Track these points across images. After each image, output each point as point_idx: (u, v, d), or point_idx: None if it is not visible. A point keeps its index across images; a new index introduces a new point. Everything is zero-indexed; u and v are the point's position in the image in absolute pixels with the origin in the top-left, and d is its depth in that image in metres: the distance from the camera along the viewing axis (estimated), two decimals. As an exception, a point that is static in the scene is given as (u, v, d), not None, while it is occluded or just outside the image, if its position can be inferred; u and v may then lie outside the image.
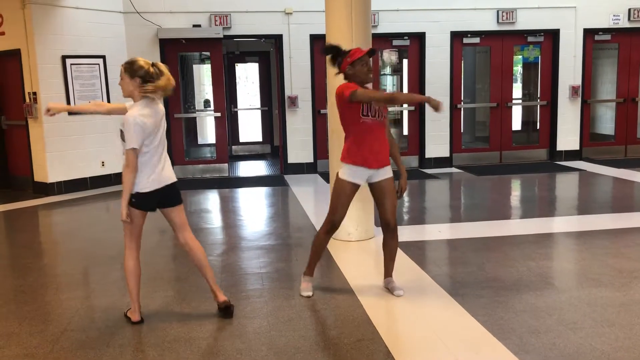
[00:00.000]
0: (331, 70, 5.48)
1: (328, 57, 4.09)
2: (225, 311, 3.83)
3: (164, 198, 3.72)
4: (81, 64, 8.55)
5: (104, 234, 6.27)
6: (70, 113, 8.36)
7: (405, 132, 10.49)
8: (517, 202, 7.72)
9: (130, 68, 3.56)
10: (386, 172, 4.06)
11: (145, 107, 3.56)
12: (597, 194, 8.15)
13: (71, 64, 8.43)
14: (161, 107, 3.72)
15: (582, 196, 8.08)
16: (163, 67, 3.62)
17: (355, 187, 4.05)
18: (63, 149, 8.42)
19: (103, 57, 8.75)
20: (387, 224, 4.11)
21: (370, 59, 3.99)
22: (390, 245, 4.20)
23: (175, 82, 3.66)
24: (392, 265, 4.29)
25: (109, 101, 8.71)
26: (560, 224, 6.34)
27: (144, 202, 3.62)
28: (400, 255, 4.75)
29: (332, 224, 4.09)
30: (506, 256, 5.03)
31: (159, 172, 3.64)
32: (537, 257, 4.95)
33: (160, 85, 3.55)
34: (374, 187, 4.10)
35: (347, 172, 4.02)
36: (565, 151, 10.53)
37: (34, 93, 8.22)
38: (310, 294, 4.19)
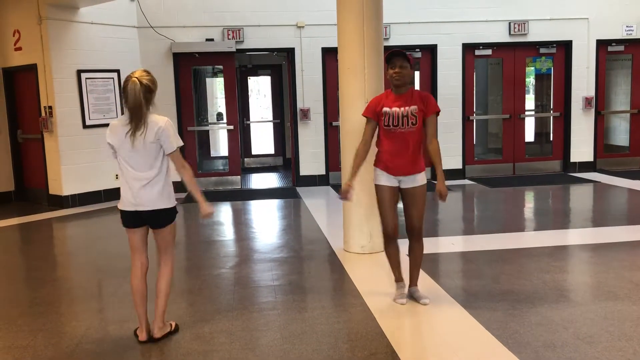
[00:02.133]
0: (343, 83, 5.54)
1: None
2: (153, 341, 3.68)
3: (146, 218, 3.57)
4: (96, 78, 8.66)
5: (117, 246, 6.30)
6: (85, 126, 8.50)
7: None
8: (531, 214, 7.66)
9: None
10: (416, 180, 4.05)
11: (120, 120, 3.55)
12: (612, 205, 8.07)
13: (86, 78, 8.54)
14: (152, 120, 3.47)
15: (596, 208, 8.00)
16: (132, 76, 3.44)
17: (390, 188, 4.05)
18: (77, 162, 8.51)
19: (117, 71, 8.85)
20: (412, 228, 4.12)
21: (403, 61, 3.94)
22: (415, 252, 4.20)
23: (135, 93, 3.41)
24: (416, 273, 4.28)
25: (122, 114, 8.80)
26: (575, 236, 6.28)
27: (123, 218, 3.61)
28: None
29: (386, 234, 4.15)
30: (521, 269, 4.98)
31: (129, 194, 3.50)
32: (552, 270, 4.90)
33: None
34: (403, 193, 4.11)
35: (377, 177, 4.11)
36: (579, 163, 10.45)
37: (50, 107, 8.33)
38: (403, 301, 4.18)
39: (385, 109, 4.00)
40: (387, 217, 4.09)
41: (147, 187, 3.50)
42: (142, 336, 3.70)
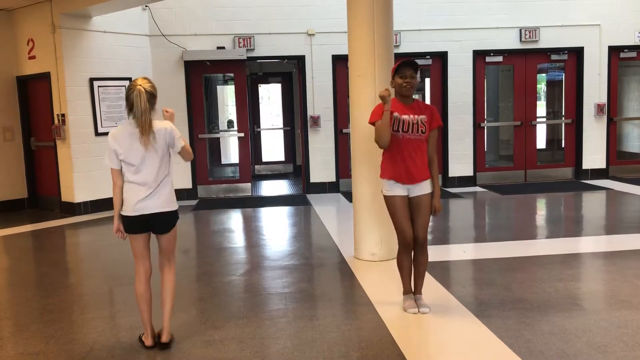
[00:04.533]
0: (354, 90, 5.55)
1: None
2: (161, 345, 3.71)
3: (152, 223, 3.64)
4: (108, 86, 8.73)
5: (128, 253, 6.29)
6: (97, 134, 8.56)
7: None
8: (543, 222, 7.60)
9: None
10: (423, 188, 4.06)
11: (124, 127, 3.61)
12: (625, 213, 7.99)
13: (98, 86, 8.61)
14: (156, 126, 3.58)
15: (609, 215, 7.93)
16: (136, 83, 3.57)
17: (401, 197, 4.05)
18: (89, 170, 8.57)
19: (129, 79, 8.91)
20: (417, 237, 4.10)
21: (413, 72, 3.98)
22: (419, 260, 4.19)
23: (141, 99, 3.53)
24: (421, 282, 4.26)
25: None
26: (588, 244, 6.23)
27: (128, 224, 3.64)
28: (425, 275, 4.69)
29: (403, 243, 4.11)
30: (533, 277, 4.94)
31: (135, 199, 3.57)
32: (564, 278, 4.86)
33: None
34: (410, 202, 4.10)
35: (386, 187, 4.09)
36: (591, 170, 10.37)
37: (63, 115, 8.40)
38: (415, 310, 4.15)
39: (396, 114, 4.00)
40: (404, 226, 4.06)
41: (156, 190, 3.60)
42: (149, 342, 3.72)
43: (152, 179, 3.58)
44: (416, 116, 3.99)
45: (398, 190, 4.05)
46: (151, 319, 3.73)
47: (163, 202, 3.63)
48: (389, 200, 4.09)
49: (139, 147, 3.54)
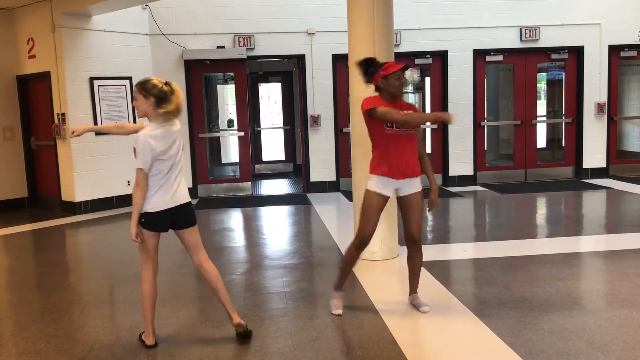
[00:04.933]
0: (354, 88, 5.55)
1: (359, 66, 4.12)
2: (243, 336, 3.76)
3: (177, 218, 3.68)
4: (108, 85, 8.73)
5: (129, 252, 6.33)
6: (97, 133, 8.56)
7: (429, 150, 10.44)
8: (544, 221, 7.60)
9: (144, 87, 3.57)
10: (414, 186, 4.06)
11: (158, 128, 3.56)
12: (625, 212, 7.99)
13: (99, 86, 8.61)
14: (176, 126, 3.70)
15: (610, 214, 7.93)
16: (175, 85, 3.62)
17: (382, 198, 4.05)
18: (90, 169, 8.57)
19: (129, 78, 8.92)
20: (412, 238, 4.10)
21: (404, 75, 4.05)
22: (414, 260, 4.19)
23: (183, 100, 3.67)
24: (416, 281, 4.27)
25: (135, 122, 8.85)
26: (588, 243, 6.23)
27: (154, 222, 3.61)
28: (425, 274, 4.70)
29: (361, 238, 4.09)
30: (533, 276, 4.94)
31: (170, 193, 3.61)
32: (565, 277, 4.86)
33: (170, 110, 3.55)
34: (401, 201, 4.11)
35: (373, 184, 4.06)
36: (591, 169, 10.37)
37: (63, 114, 8.40)
38: (339, 312, 4.17)
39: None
40: (369, 223, 4.05)
41: (182, 181, 3.72)
42: (150, 341, 3.72)
43: (179, 171, 3.69)
44: (404, 112, 4.01)
45: (384, 189, 4.03)
46: (154, 318, 3.73)
47: (186, 193, 3.75)
48: (368, 194, 4.06)
49: (175, 142, 3.62)
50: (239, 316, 3.82)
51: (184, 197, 3.69)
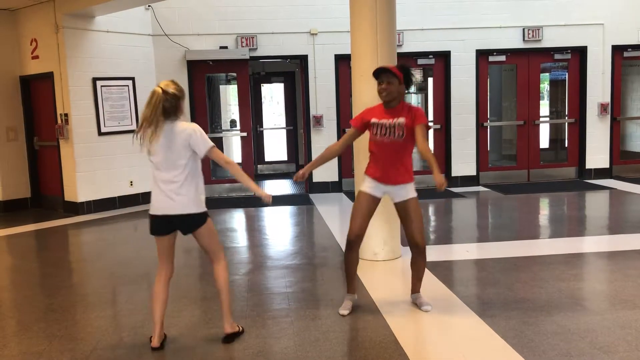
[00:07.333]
0: (356, 89, 5.54)
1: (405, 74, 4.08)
2: (225, 339, 3.77)
3: (176, 225, 3.65)
4: (111, 86, 8.74)
5: (132, 253, 6.34)
6: (101, 134, 8.58)
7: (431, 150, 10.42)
8: (546, 222, 7.59)
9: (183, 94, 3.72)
10: (407, 193, 4.08)
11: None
12: (628, 213, 7.97)
13: (101, 86, 8.62)
14: (178, 127, 3.64)
15: (613, 215, 7.92)
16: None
17: (372, 199, 4.10)
18: (93, 169, 8.58)
19: (132, 78, 8.93)
20: (416, 245, 4.12)
21: (389, 77, 3.98)
22: (417, 264, 4.21)
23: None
24: (419, 284, 4.29)
25: (136, 122, 8.86)
26: (591, 243, 6.21)
27: (151, 224, 3.66)
28: (428, 275, 4.70)
29: (347, 238, 4.14)
30: (536, 277, 4.93)
31: (161, 199, 3.59)
32: (567, 278, 4.85)
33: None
34: (397, 208, 4.15)
35: (365, 184, 4.15)
36: (594, 169, 10.35)
37: (66, 114, 8.42)
38: (344, 312, 4.18)
39: (374, 120, 4.08)
40: (355, 223, 4.10)
41: (174, 192, 3.63)
42: (154, 342, 3.72)
43: (168, 178, 3.58)
44: (394, 120, 4.02)
45: (374, 189, 4.09)
46: (162, 321, 3.72)
47: (183, 205, 3.58)
48: (358, 194, 4.18)
49: (160, 146, 3.57)
50: (234, 325, 3.82)
51: (174, 209, 3.57)
